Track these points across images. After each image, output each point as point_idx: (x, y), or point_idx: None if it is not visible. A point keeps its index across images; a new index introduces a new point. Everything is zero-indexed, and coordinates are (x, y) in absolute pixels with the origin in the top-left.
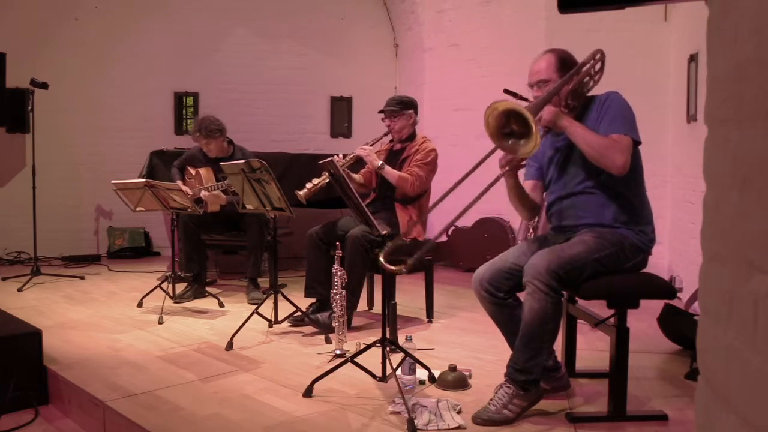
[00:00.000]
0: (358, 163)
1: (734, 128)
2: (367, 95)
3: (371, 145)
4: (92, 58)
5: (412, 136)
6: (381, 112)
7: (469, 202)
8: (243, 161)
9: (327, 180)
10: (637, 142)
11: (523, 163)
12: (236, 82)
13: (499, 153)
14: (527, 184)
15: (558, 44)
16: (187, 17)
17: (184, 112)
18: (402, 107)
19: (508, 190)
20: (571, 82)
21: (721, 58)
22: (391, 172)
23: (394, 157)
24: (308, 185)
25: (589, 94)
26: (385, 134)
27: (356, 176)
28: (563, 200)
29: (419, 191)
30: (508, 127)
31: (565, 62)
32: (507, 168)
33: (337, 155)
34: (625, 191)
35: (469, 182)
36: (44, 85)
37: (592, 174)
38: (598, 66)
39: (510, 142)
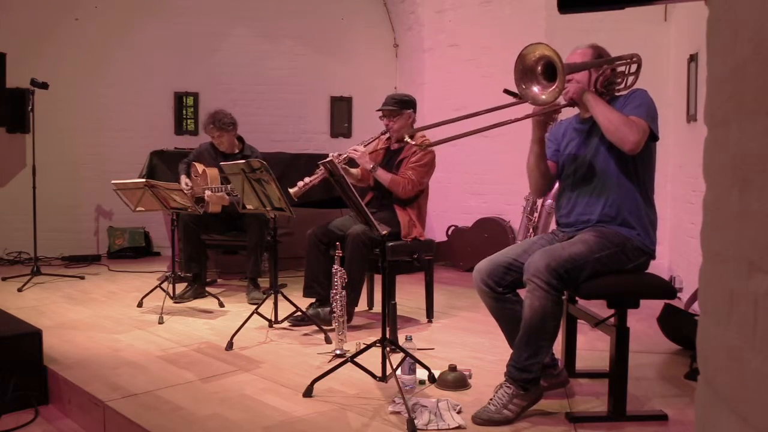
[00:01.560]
0: (354, 161)
1: (734, 128)
2: (367, 95)
3: (365, 146)
4: (92, 58)
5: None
6: (379, 110)
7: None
8: (243, 161)
9: (319, 179)
10: (654, 135)
11: (555, 116)
12: (236, 82)
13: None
14: None
15: (558, 44)
16: (187, 17)
17: (184, 112)
18: (401, 107)
19: (532, 143)
20: (602, 68)
21: (721, 58)
22: (383, 176)
23: (391, 157)
24: (300, 183)
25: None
26: (383, 133)
27: (354, 171)
28: (575, 182)
29: (412, 194)
30: (534, 75)
31: (601, 56)
32: (542, 108)
33: (333, 154)
34: (634, 187)
35: (470, 179)
36: (44, 85)
37: (606, 159)
38: (633, 68)
39: (533, 88)
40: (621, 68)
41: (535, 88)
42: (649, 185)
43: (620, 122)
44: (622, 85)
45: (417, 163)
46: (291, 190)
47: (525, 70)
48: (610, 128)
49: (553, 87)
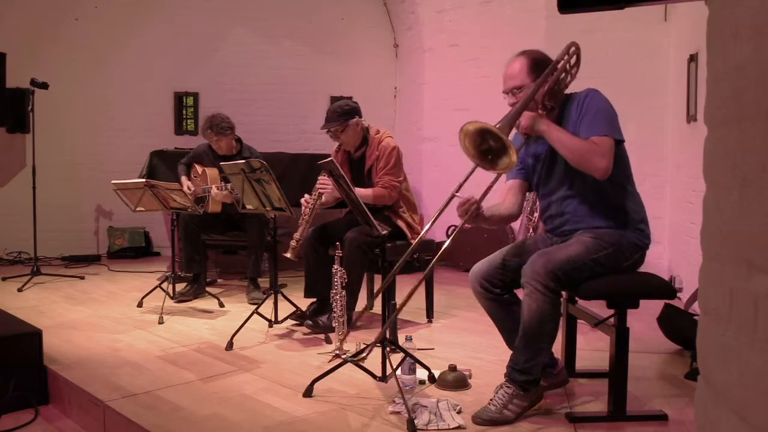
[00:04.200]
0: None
1: (734, 128)
2: (367, 95)
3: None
4: (92, 58)
5: (365, 140)
6: (324, 129)
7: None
8: (243, 161)
9: (306, 230)
10: (619, 141)
11: (482, 211)
12: (236, 82)
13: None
14: (506, 185)
15: (558, 44)
16: (187, 17)
17: (184, 112)
18: (345, 119)
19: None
20: (546, 84)
21: (721, 58)
22: (364, 194)
23: (357, 168)
24: (292, 243)
25: (568, 90)
26: (336, 149)
27: (325, 200)
28: (553, 206)
29: (397, 196)
30: (485, 144)
31: (538, 64)
32: (465, 218)
33: (303, 200)
34: (613, 192)
35: (470, 179)
36: (44, 85)
37: (578, 179)
38: (573, 60)
39: (489, 158)
40: (562, 66)
41: (503, 159)
42: (628, 183)
43: (582, 151)
44: (568, 79)
45: (387, 167)
46: (287, 255)
47: (478, 156)
48: (574, 159)
49: (507, 155)
